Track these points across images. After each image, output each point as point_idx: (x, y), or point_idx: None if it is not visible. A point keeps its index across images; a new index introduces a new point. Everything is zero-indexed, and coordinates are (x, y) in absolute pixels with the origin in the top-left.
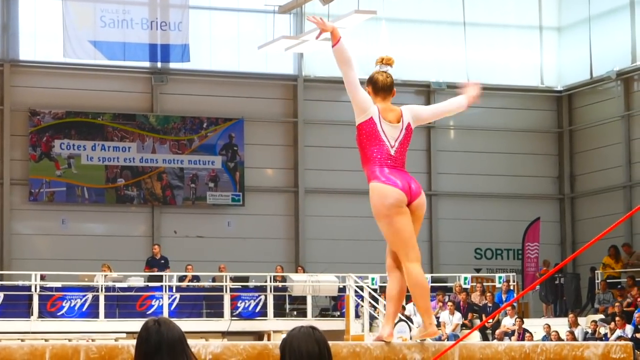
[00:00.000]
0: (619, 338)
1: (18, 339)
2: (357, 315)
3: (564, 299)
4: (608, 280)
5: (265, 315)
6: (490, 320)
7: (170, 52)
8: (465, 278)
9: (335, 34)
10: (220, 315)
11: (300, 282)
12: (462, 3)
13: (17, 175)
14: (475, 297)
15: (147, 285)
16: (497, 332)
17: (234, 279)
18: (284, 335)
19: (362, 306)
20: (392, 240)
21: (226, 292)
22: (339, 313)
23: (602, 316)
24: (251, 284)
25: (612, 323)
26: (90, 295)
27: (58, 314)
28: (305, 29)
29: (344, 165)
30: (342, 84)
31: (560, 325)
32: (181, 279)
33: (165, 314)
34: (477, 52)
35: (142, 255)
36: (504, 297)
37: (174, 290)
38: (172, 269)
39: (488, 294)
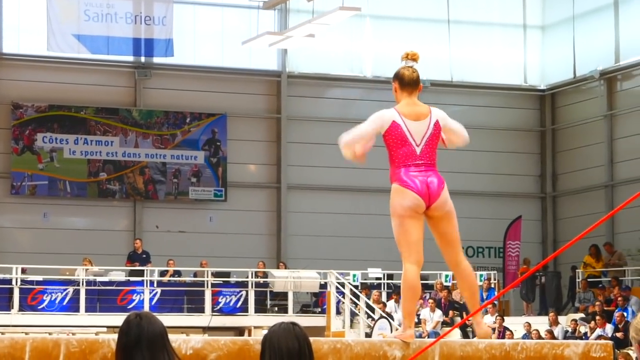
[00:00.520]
0: (599, 337)
1: None
2: (338, 312)
3: (544, 298)
4: (589, 279)
5: (247, 311)
6: (471, 318)
7: (154, 46)
8: (447, 276)
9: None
10: (201, 310)
11: (281, 278)
12: (447, 1)
13: None
14: (456, 295)
15: (128, 280)
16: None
17: (216, 274)
18: (265, 331)
19: (343, 302)
20: (399, 239)
21: (207, 287)
22: (320, 309)
23: (582, 315)
24: (232, 279)
25: (592, 322)
26: (71, 289)
27: (39, 307)
28: (289, 25)
29: (327, 162)
30: (325, 80)
31: (541, 323)
32: (162, 273)
33: (146, 308)
34: (461, 50)
35: (124, 249)
36: (484, 295)
37: (155, 285)
38: (154, 264)
39: None
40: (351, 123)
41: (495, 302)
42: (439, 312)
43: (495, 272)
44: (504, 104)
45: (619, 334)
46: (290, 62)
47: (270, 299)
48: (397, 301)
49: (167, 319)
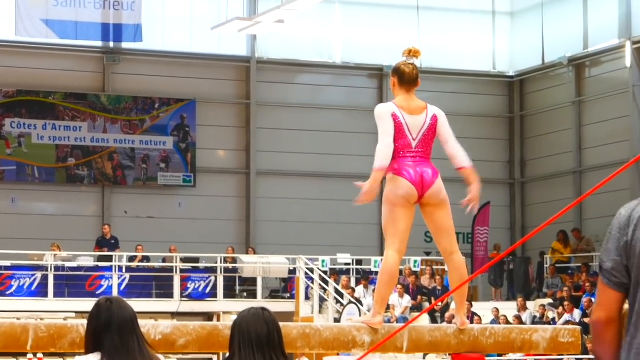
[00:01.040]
0: (567, 322)
1: None
2: (307, 297)
3: (512, 284)
4: (557, 265)
5: (216, 296)
6: (440, 304)
7: (123, 31)
8: (415, 261)
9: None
10: (170, 295)
11: (250, 264)
12: None
13: None
14: (425, 280)
15: (97, 265)
16: (447, 315)
17: (185, 260)
18: (234, 317)
19: (312, 288)
20: (386, 226)
21: (176, 272)
22: (289, 295)
23: (550, 300)
24: (201, 265)
25: (560, 307)
26: (39, 274)
27: (7, 292)
28: (259, 11)
29: (296, 148)
30: (295, 66)
31: (509, 309)
32: (131, 259)
33: (115, 294)
34: (430, 36)
35: (92, 235)
36: None
37: (124, 270)
38: (122, 249)
39: (437, 277)
40: (320, 109)
41: None
42: (407, 297)
43: (464, 258)
44: (473, 90)
45: (586, 320)
46: (260, 47)
47: (239, 285)
48: (365, 287)
49: (136, 305)
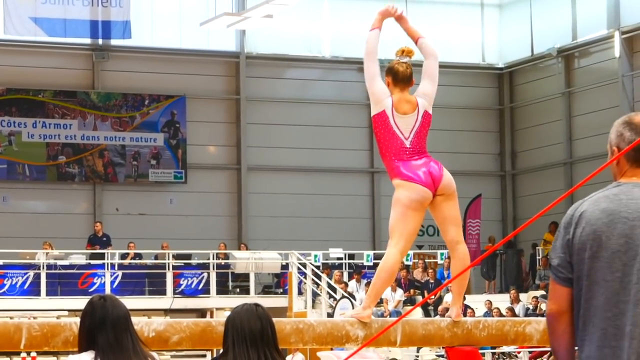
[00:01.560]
0: None
1: None
2: (300, 292)
3: (505, 276)
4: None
5: (208, 293)
6: (433, 297)
7: (112, 28)
8: (407, 255)
9: (380, 19)
10: (162, 292)
11: (243, 260)
12: None
13: None
14: (418, 274)
15: (89, 263)
16: (439, 308)
17: (177, 257)
18: (227, 313)
19: (305, 283)
20: (395, 226)
21: (169, 269)
22: (281, 290)
23: (543, 292)
24: (194, 261)
25: None
26: (31, 273)
27: None
28: (247, 6)
29: (287, 143)
30: (284, 60)
31: (502, 301)
32: (123, 256)
33: (108, 291)
34: (419, 28)
35: (84, 232)
36: (445, 273)
37: (116, 267)
38: (114, 247)
39: (430, 271)
40: (310, 103)
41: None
42: (400, 291)
43: None
44: (462, 82)
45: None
46: (249, 43)
47: (231, 281)
48: (358, 281)
49: (129, 302)
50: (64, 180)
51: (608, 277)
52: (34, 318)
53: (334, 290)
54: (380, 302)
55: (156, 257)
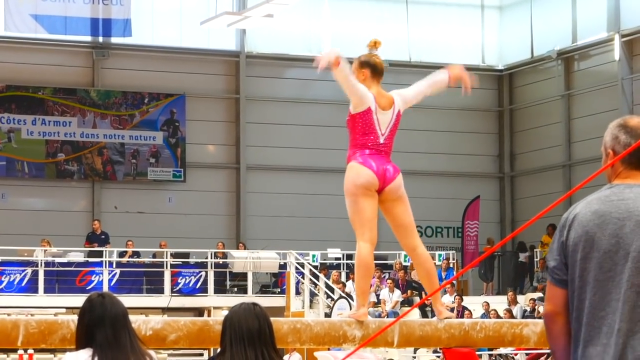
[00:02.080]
0: None
1: None
2: (298, 292)
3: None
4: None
5: (206, 292)
6: (430, 298)
7: (112, 26)
8: (405, 256)
9: (337, 62)
10: (160, 291)
11: (241, 259)
12: None
13: None
14: (415, 275)
15: (87, 261)
16: None
17: (175, 255)
18: (225, 312)
19: (303, 283)
20: (352, 218)
21: (167, 268)
22: (279, 290)
23: (540, 294)
24: (192, 260)
25: None
26: (29, 270)
27: None
28: (248, 5)
29: (286, 142)
30: (284, 60)
31: (499, 303)
32: (121, 254)
33: (105, 289)
34: (419, 30)
35: (82, 230)
36: (443, 274)
37: (114, 265)
38: (113, 245)
39: None
40: (309, 103)
41: (454, 282)
42: (397, 292)
43: (454, 252)
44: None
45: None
46: (249, 42)
47: (229, 280)
48: (354, 281)
49: (127, 300)
50: (62, 177)
51: (600, 277)
52: (32, 315)
53: (332, 290)
54: (377, 303)
55: (154, 256)
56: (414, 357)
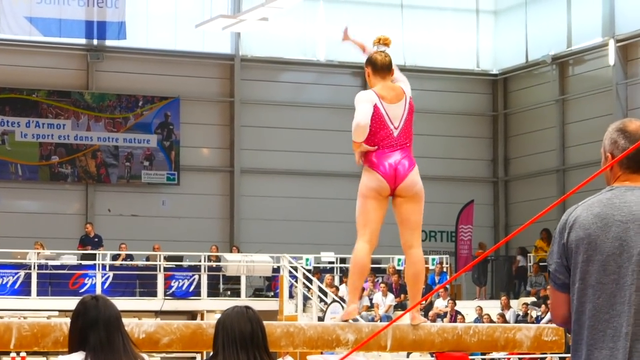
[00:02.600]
0: (551, 321)
1: None
2: (291, 296)
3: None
4: (540, 264)
5: (199, 295)
6: (423, 302)
7: (107, 29)
8: (399, 259)
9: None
10: (153, 294)
11: (234, 262)
12: None
13: None
14: None
15: (80, 264)
16: (430, 313)
17: (168, 258)
18: (218, 315)
19: (296, 286)
20: (358, 218)
21: (160, 271)
22: (272, 293)
23: (534, 299)
24: (185, 263)
25: (543, 306)
26: (22, 272)
27: None
28: (242, 8)
29: (280, 146)
30: (278, 64)
31: (493, 307)
32: (115, 257)
33: (98, 292)
34: (414, 34)
35: (76, 233)
36: (437, 279)
37: (107, 268)
38: (106, 248)
39: None
40: (304, 107)
41: (448, 286)
42: (391, 296)
43: (448, 256)
44: (457, 88)
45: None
46: (244, 45)
47: (223, 283)
48: (347, 284)
49: (120, 303)
50: (56, 180)
51: (603, 280)
52: (24, 318)
53: (325, 294)
54: (371, 307)
55: (147, 259)
56: None
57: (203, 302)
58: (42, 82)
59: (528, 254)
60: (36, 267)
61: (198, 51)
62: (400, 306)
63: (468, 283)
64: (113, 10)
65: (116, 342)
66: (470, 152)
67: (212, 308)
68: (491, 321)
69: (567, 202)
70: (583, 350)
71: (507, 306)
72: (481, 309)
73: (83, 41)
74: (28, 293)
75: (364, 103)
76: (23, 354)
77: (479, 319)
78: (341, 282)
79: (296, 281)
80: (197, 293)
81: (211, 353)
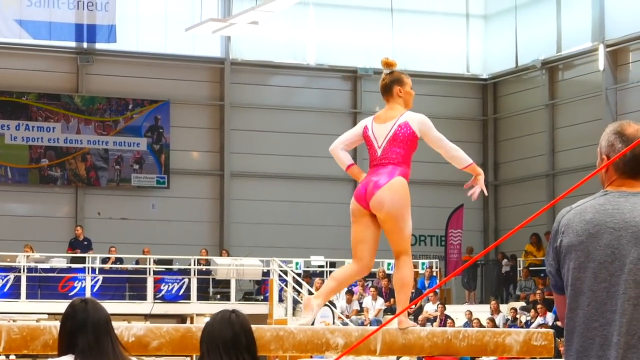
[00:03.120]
0: (540, 325)
1: None
2: (281, 300)
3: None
4: (530, 268)
5: (189, 299)
6: (413, 306)
7: (97, 32)
8: (389, 264)
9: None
10: (143, 297)
11: (224, 266)
12: None
13: None
14: None
15: (70, 267)
16: (420, 318)
17: (158, 262)
18: (207, 319)
19: (286, 290)
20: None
21: (149, 274)
22: (262, 297)
23: (523, 303)
24: (175, 266)
25: (532, 310)
26: (12, 275)
27: None
28: (233, 12)
29: (270, 149)
30: (269, 67)
31: (482, 312)
32: (104, 261)
33: (88, 295)
34: (404, 38)
35: (65, 236)
36: (426, 283)
37: (97, 272)
38: (95, 251)
39: None
40: (294, 111)
41: (437, 290)
42: (380, 300)
43: (437, 260)
44: (447, 92)
45: (559, 323)
46: (234, 49)
47: (212, 287)
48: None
49: (109, 306)
50: (46, 183)
51: (595, 287)
52: (14, 321)
53: None
54: (360, 311)
55: (137, 262)
56: None
57: (193, 306)
58: (32, 85)
59: (518, 259)
60: (26, 270)
61: (188, 54)
62: (390, 310)
63: (458, 287)
64: (103, 14)
65: (105, 346)
66: None
67: (202, 312)
68: (481, 325)
69: (556, 206)
70: (572, 358)
71: (496, 310)
72: (471, 313)
73: (73, 44)
74: (17, 296)
75: (352, 129)
76: (12, 357)
77: (468, 324)
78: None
79: (286, 285)
80: (186, 296)
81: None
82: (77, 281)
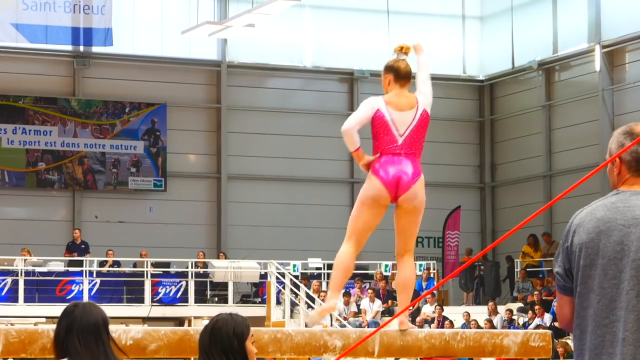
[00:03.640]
0: (538, 326)
1: None
2: (278, 302)
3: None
4: (527, 269)
5: (187, 301)
6: (411, 308)
7: (93, 35)
8: (386, 265)
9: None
10: (140, 300)
11: (221, 269)
12: None
13: None
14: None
15: (67, 270)
16: (417, 319)
17: (155, 265)
18: (205, 321)
19: (284, 293)
20: (350, 221)
21: (147, 277)
22: (260, 299)
23: (521, 304)
24: (172, 269)
25: (530, 312)
26: (9, 279)
27: None
28: (229, 15)
29: (267, 152)
30: (265, 70)
31: (480, 313)
32: (102, 264)
33: (85, 299)
34: (400, 39)
35: (63, 239)
36: (424, 284)
37: (95, 275)
38: (93, 254)
39: None
40: (291, 113)
41: (435, 291)
42: (378, 302)
43: (435, 261)
44: (443, 94)
45: (557, 324)
46: (230, 51)
47: (210, 289)
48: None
49: (107, 310)
50: (43, 186)
51: (604, 284)
52: (12, 324)
53: (313, 300)
54: (358, 313)
55: (135, 265)
56: None
57: (190, 309)
58: (29, 89)
59: (515, 260)
60: (23, 274)
61: (184, 57)
62: (388, 312)
63: (455, 289)
64: (99, 17)
65: (93, 350)
66: (457, 158)
67: (200, 314)
68: (479, 327)
69: (553, 208)
70: (586, 356)
71: (494, 312)
72: (468, 314)
73: (69, 48)
74: (15, 300)
75: (360, 109)
76: None
77: (466, 325)
78: (328, 288)
79: (283, 287)
80: (184, 299)
81: None
82: (74, 284)
